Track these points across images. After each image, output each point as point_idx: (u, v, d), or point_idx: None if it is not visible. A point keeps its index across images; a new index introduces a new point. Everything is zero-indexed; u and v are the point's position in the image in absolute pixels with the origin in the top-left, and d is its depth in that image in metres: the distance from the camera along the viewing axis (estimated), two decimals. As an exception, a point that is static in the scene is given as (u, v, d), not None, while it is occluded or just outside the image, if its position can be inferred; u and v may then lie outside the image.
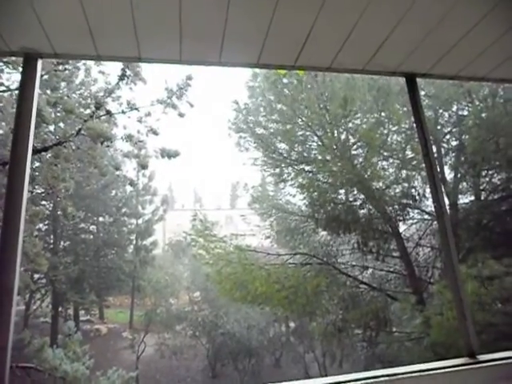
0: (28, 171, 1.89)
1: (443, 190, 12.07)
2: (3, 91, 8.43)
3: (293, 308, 13.12)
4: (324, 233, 13.78)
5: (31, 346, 7.87)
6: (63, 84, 9.58)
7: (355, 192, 12.34)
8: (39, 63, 2.01)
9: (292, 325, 19.63)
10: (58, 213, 12.70)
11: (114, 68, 7.99)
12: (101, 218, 21.68)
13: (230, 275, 12.57)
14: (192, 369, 20.35)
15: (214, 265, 13.43)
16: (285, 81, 12.16)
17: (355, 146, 12.49)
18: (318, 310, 13.25)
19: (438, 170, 12.12)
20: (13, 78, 8.79)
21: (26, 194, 1.87)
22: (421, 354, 10.10)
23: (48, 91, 9.61)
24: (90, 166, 7.96)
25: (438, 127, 12.31)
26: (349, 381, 1.95)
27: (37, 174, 7.23)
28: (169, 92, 8.01)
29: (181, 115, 8.19)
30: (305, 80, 11.72)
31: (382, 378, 1.97)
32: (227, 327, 19.01)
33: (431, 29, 2.20)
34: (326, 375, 17.30)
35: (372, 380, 1.95)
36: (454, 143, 12.56)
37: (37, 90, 1.98)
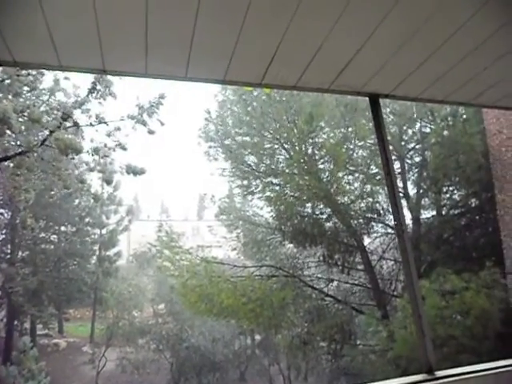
0: None
1: (406, 204, 12.41)
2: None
3: (259, 321, 13.06)
4: (290, 245, 13.86)
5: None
6: (25, 89, 9.29)
7: (321, 206, 12.49)
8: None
9: (258, 338, 19.54)
10: (17, 222, 12.23)
11: (84, 80, 7.86)
12: (63, 228, 21.00)
13: (195, 287, 12.40)
14: (154, 384, 19.87)
15: (179, 277, 13.24)
16: (254, 93, 12.25)
17: (322, 161, 12.66)
18: (284, 323, 13.25)
19: (402, 185, 12.46)
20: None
21: None
22: (384, 367, 10.23)
23: (10, 96, 9.30)
24: (54, 176, 7.73)
25: (402, 143, 12.67)
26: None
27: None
28: (140, 108, 7.95)
29: (150, 132, 8.12)
30: (273, 94, 11.84)
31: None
32: (192, 340, 18.72)
33: (394, 52, 2.26)
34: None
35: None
36: (418, 159, 12.96)
37: None
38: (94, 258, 22.20)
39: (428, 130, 12.46)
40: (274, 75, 2.29)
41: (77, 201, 20.68)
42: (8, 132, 6.62)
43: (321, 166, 12.65)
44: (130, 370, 19.27)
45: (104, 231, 22.19)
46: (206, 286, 12.18)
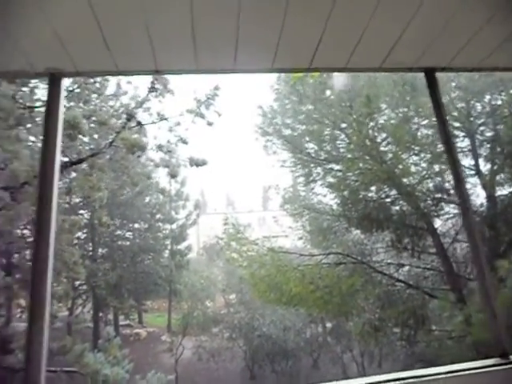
0: (56, 184, 1.99)
1: (479, 182, 11.75)
2: (37, 107, 8.81)
3: (328, 308, 13.05)
4: (357, 231, 13.65)
5: (73, 352, 8.17)
6: (94, 96, 9.88)
7: (386, 189, 12.15)
8: (63, 82, 2.11)
9: (329, 325, 19.48)
10: (95, 221, 13.13)
11: (143, 81, 8.24)
12: (136, 225, 22.18)
13: (264, 277, 12.63)
14: (230, 371, 20.46)
15: (247, 267, 13.54)
16: (310, 81, 12.12)
17: (384, 143, 12.31)
18: (354, 310, 13.13)
19: (474, 162, 11.81)
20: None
21: (55, 207, 1.97)
22: (463, 353, 9.84)
23: (81, 104, 9.97)
24: (123, 175, 8.21)
25: (471, 119, 11.97)
26: (386, 381, 1.96)
27: (74, 184, 7.55)
28: (197, 102, 8.17)
29: (209, 124, 8.34)
30: (326, 79, 11.65)
31: (410, 380, 1.96)
32: (263, 329, 19.04)
33: (447, 21, 2.16)
34: (365, 375, 17.07)
35: (404, 381, 1.95)
36: (489, 134, 12.17)
37: (61, 108, 2.09)
38: (167, 252, 23.22)
39: (499, 102, 11.65)
40: (322, 58, 2.29)
41: (147, 198, 21.71)
42: (80, 136, 7.15)
43: (383, 149, 12.30)
44: (206, 357, 20.01)
45: (174, 226, 23.08)
46: (274, 275, 12.36)
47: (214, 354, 19.97)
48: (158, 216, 22.45)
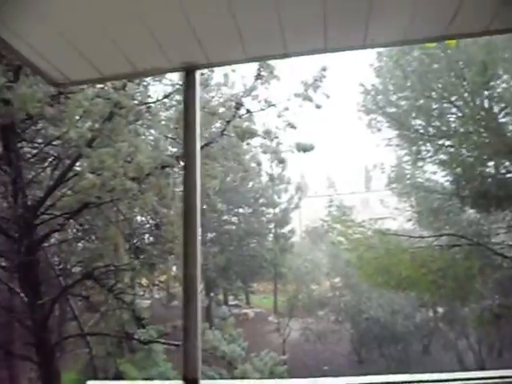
0: (199, 173, 2.15)
1: None
2: (153, 102, 9.51)
3: (441, 292, 12.46)
4: (472, 211, 12.75)
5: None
6: (201, 87, 10.28)
7: (507, 163, 11.13)
8: (197, 74, 2.26)
9: (440, 310, 18.56)
10: (204, 207, 13.89)
11: (248, 69, 8.43)
12: (241, 210, 23.03)
13: (371, 260, 12.38)
14: (337, 353, 20.54)
15: (353, 250, 13.37)
16: (415, 54, 11.44)
17: (502, 114, 11.25)
18: (471, 295, 12.36)
19: None
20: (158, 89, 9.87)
21: (199, 195, 2.14)
22: None
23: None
24: (234, 162, 8.56)
25: None
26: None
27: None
28: (305, 85, 8.15)
29: (318, 107, 8.29)
30: (432, 51, 10.87)
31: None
32: (371, 312, 18.75)
33: None
34: (484, 364, 16.02)
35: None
36: None
37: (198, 100, 2.24)
38: (271, 235, 23.82)
39: None
40: (460, 24, 2.14)
41: (251, 183, 22.37)
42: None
43: (502, 120, 11.26)
44: (313, 339, 20.31)
45: (277, 210, 23.55)
46: (381, 258, 12.06)
47: (321, 336, 20.20)
48: (261, 200, 23.06)
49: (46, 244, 9.07)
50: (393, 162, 13.80)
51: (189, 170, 2.17)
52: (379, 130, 12.96)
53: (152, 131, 11.49)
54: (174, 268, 10.80)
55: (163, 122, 10.68)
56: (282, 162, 9.73)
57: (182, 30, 1.95)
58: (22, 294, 8.20)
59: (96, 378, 9.27)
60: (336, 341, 20.18)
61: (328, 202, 15.52)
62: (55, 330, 8.69)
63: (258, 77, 7.83)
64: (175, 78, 10.29)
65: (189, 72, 2.24)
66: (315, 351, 20.40)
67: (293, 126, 8.36)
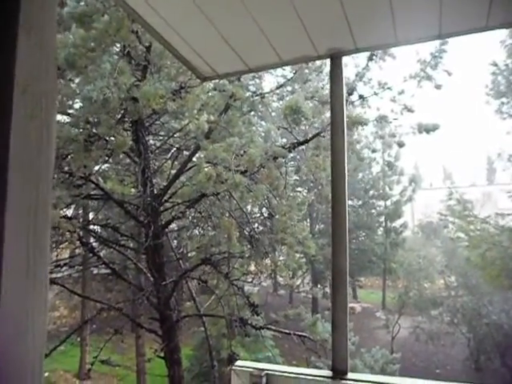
0: (346, 163, 2.11)
1: None
2: (266, 93, 9.68)
3: None
4: None
5: (307, 320, 8.90)
6: (313, 75, 10.13)
7: None
8: (343, 60, 2.21)
9: None
10: (312, 198, 13.83)
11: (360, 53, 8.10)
12: (350, 202, 22.58)
13: (495, 260, 11.32)
14: (451, 357, 19.23)
15: (474, 248, 12.33)
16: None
17: None
18: None
19: None
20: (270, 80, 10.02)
21: (346, 185, 2.11)
22: None
23: (296, 85, 10.48)
24: (348, 151, 8.36)
25: None
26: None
27: (300, 164, 8.08)
28: (422, 63, 7.61)
29: (437, 87, 7.70)
30: None
31: None
32: (493, 317, 17.12)
33: None
34: None
35: None
36: None
37: (343, 86, 2.20)
38: (381, 229, 22.98)
39: None
40: (497, 16, 1.83)
41: (360, 174, 21.79)
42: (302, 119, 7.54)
43: None
44: (424, 339, 19.21)
45: (388, 203, 22.65)
46: (509, 258, 10.96)
47: (433, 336, 19.03)
48: (371, 192, 22.36)
49: (167, 229, 9.82)
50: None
51: (336, 162, 2.14)
52: (511, 115, 11.68)
53: (262, 122, 11.72)
54: (281, 258, 10.97)
55: (273, 114, 10.84)
56: (401, 145, 9.21)
57: (333, 15, 1.92)
58: (149, 274, 9.00)
59: (210, 356, 9.81)
60: (450, 344, 18.89)
61: (446, 194, 14.48)
62: (175, 309, 9.37)
63: (371, 57, 7.49)
64: (287, 70, 10.35)
65: (334, 58, 2.21)
66: (426, 352, 19.35)
67: (410, 110, 7.87)
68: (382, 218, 22.85)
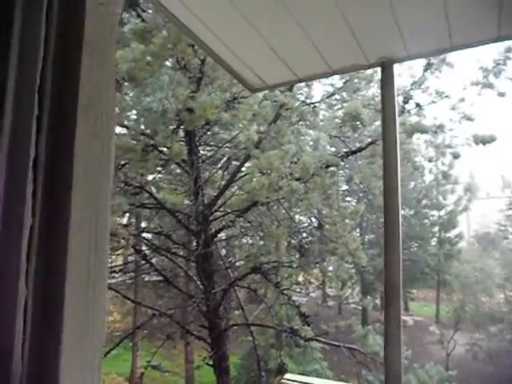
0: (399, 172, 2.06)
1: None
2: (317, 102, 9.65)
3: None
4: None
5: (357, 332, 8.70)
6: (363, 84, 10.03)
7: None
8: (394, 68, 2.17)
9: None
10: (362, 208, 13.55)
11: (417, 61, 7.90)
12: (402, 211, 21.80)
13: None
14: (512, 378, 18.09)
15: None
16: None
17: None
18: None
19: None
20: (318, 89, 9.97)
21: (399, 196, 2.05)
22: None
23: (344, 93, 10.38)
24: (403, 160, 8.19)
25: None
26: None
27: (353, 172, 7.94)
28: (484, 71, 7.31)
29: (500, 95, 7.37)
30: None
31: None
32: None
33: None
34: None
35: None
36: None
37: (395, 94, 2.15)
38: (435, 240, 22.12)
39: None
40: None
41: (412, 183, 21.13)
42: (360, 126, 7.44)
43: None
44: (482, 358, 18.22)
45: (442, 212, 21.79)
46: None
47: (493, 355, 17.98)
48: (424, 202, 21.64)
49: (216, 238, 9.95)
50: None
51: (389, 172, 2.10)
52: None
53: (311, 131, 11.68)
54: (331, 268, 10.80)
55: (321, 123, 10.76)
56: (456, 157, 8.90)
57: (384, 23, 1.89)
58: (198, 282, 9.14)
59: (258, 366, 9.78)
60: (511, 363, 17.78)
61: (505, 204, 13.79)
62: (224, 317, 9.46)
63: (428, 66, 7.29)
64: (335, 78, 10.27)
65: (385, 67, 2.18)
66: (485, 372, 18.27)
67: (469, 118, 7.58)
68: (436, 229, 21.98)
